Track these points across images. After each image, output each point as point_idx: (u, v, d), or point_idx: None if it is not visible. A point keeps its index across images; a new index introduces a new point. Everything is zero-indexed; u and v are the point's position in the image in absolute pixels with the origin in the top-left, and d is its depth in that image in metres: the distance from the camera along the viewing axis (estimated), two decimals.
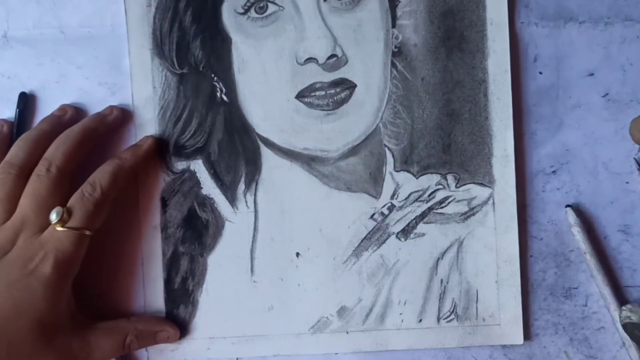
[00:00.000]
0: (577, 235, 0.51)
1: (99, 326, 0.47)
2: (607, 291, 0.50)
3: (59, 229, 0.45)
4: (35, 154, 0.47)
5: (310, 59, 0.51)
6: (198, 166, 0.51)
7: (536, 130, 0.52)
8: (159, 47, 0.51)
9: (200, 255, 0.51)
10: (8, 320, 0.43)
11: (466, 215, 0.51)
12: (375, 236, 0.51)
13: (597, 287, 0.51)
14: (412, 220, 0.51)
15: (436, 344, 0.51)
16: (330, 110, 0.51)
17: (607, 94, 0.52)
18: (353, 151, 0.51)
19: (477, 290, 0.51)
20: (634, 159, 0.51)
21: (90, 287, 0.50)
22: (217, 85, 0.51)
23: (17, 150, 0.47)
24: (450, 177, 0.51)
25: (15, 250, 0.45)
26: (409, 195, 0.51)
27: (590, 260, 0.51)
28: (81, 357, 0.46)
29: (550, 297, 0.52)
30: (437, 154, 0.51)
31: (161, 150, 0.51)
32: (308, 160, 0.51)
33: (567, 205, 0.51)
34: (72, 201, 0.46)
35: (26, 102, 0.51)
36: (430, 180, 0.51)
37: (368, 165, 0.51)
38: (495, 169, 0.51)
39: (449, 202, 0.51)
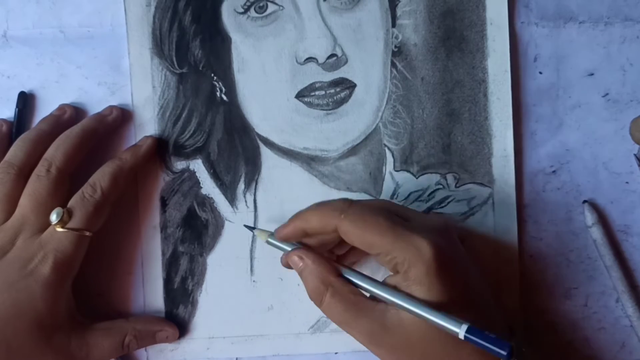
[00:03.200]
0: (596, 232, 0.50)
1: (98, 326, 0.47)
2: (625, 289, 0.50)
3: (59, 229, 0.45)
4: (35, 154, 0.47)
5: (310, 59, 0.51)
6: (198, 166, 0.51)
7: (536, 130, 0.52)
8: (159, 47, 0.51)
9: (200, 255, 0.51)
10: (7, 321, 0.43)
11: (466, 215, 0.51)
12: None
13: (613, 283, 0.51)
14: None
15: None
16: (330, 109, 0.51)
17: (607, 94, 0.52)
18: (353, 151, 0.51)
19: None
20: (635, 155, 0.51)
21: (90, 287, 0.50)
22: (217, 85, 0.51)
23: (16, 150, 0.47)
24: (450, 177, 0.51)
25: (15, 251, 0.45)
26: (409, 195, 0.51)
27: (607, 257, 0.50)
28: (80, 358, 0.46)
29: (550, 297, 0.52)
30: (436, 154, 0.51)
31: (161, 149, 0.51)
32: (308, 160, 0.51)
33: (585, 201, 0.51)
34: (73, 202, 0.46)
35: (26, 101, 0.51)
36: (430, 180, 0.51)
37: (368, 165, 0.51)
38: (495, 169, 0.51)
39: (448, 202, 0.51)
